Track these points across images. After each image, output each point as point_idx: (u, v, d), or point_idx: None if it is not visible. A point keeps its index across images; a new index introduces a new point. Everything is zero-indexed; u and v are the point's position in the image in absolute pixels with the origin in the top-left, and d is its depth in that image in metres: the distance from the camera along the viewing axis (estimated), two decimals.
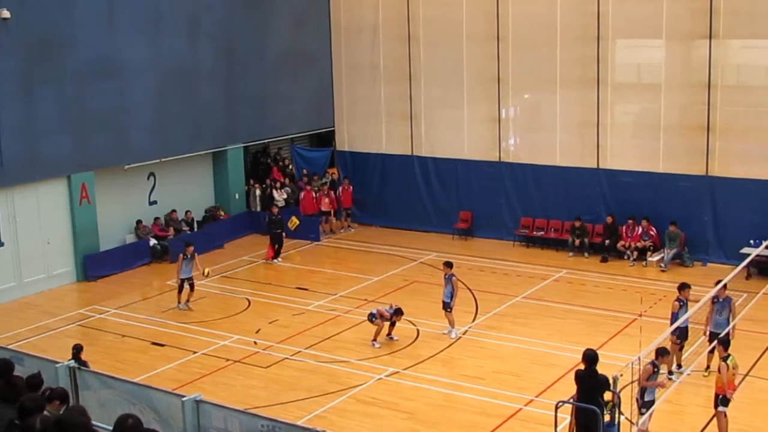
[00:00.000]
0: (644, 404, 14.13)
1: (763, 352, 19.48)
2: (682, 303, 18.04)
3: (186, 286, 23.41)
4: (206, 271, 23.64)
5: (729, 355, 15.42)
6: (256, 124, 31.75)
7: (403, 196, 31.27)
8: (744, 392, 16.25)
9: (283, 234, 28.23)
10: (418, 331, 21.37)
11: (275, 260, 27.48)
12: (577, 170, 28.20)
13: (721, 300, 18.09)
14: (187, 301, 23.48)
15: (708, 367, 17.99)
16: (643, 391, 14.17)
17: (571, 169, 28.28)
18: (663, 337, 15.88)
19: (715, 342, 16.47)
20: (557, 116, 28.77)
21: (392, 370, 19.11)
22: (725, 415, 15.34)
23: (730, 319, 17.97)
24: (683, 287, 18.33)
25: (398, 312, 20.61)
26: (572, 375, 14.10)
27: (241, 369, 19.42)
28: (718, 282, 18.24)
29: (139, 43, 27.41)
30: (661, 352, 14.43)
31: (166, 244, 28.00)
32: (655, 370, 14.31)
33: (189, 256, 23.42)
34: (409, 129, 31.15)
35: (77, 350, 16.29)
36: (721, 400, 15.29)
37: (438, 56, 30.31)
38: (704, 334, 18.32)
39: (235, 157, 31.45)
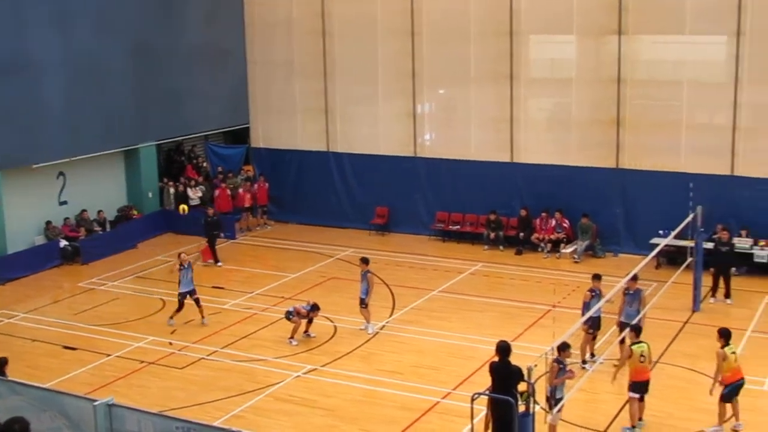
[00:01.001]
0: (557, 402, 14.32)
1: (673, 339, 19.94)
2: (594, 293, 18.36)
3: (191, 301, 21.55)
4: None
5: (640, 342, 15.78)
6: (169, 121, 31.28)
7: (320, 192, 31.19)
8: (655, 379, 16.56)
9: (220, 235, 27.78)
10: (335, 327, 21.34)
11: (219, 264, 26.99)
12: (492, 164, 28.49)
13: (631, 292, 18.46)
14: (202, 317, 21.74)
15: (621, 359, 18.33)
16: (553, 390, 14.33)
17: (486, 164, 28.56)
18: (575, 327, 16.12)
19: (626, 330, 16.84)
20: (472, 111, 29.04)
21: (310, 367, 19.05)
22: (638, 401, 15.68)
23: (640, 310, 18.35)
24: (595, 278, 18.68)
25: (315, 308, 20.56)
26: (488, 367, 14.21)
27: (157, 371, 19.14)
28: (631, 274, 18.61)
29: (48, 37, 26.76)
30: (563, 347, 14.57)
31: (78, 245, 27.42)
32: (561, 366, 14.46)
33: (186, 266, 21.64)
34: (325, 125, 31.08)
35: (1, 363, 15.77)
36: (631, 385, 15.65)
37: (353, 52, 30.29)
38: (616, 324, 18.66)
39: (147, 156, 30.96)
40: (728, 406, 15.69)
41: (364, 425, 16.42)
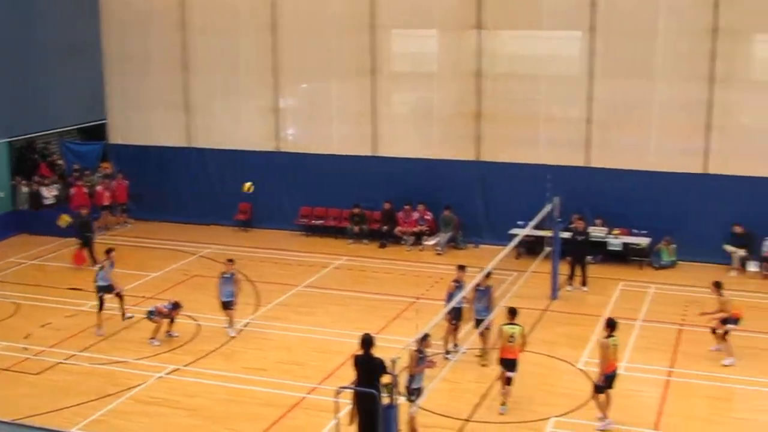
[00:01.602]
0: (412, 392, 14.36)
1: (533, 327, 20.39)
2: (458, 284, 18.61)
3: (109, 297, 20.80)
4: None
5: (513, 324, 16.20)
6: (21, 117, 30.00)
7: (181, 188, 30.60)
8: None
9: (93, 236, 26.75)
10: (199, 326, 21.00)
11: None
12: (355, 158, 28.57)
13: (482, 288, 18.56)
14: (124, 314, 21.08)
15: (480, 355, 18.63)
16: (411, 379, 14.40)
17: (349, 158, 28.62)
18: (439, 318, 16.30)
19: (482, 327, 17.59)
20: (334, 105, 29.07)
21: (173, 367, 18.69)
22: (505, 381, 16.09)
23: (489, 307, 18.52)
24: (460, 268, 18.93)
25: (176, 306, 20.18)
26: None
27: (9, 378, 18.36)
28: (488, 268, 18.86)
29: None
30: (423, 337, 14.70)
31: None
32: (421, 356, 14.56)
33: (111, 264, 21.07)
34: (186, 120, 30.54)
35: None
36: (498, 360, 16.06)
37: (213, 45, 29.82)
38: (471, 319, 18.92)
39: None
40: (602, 396, 15.83)
41: (228, 424, 16.21)
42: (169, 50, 30.26)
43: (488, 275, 18.51)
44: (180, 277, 24.74)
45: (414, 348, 14.41)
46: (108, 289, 20.87)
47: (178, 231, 29.24)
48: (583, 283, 23.43)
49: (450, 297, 18.39)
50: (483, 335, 18.47)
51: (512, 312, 16.66)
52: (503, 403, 16.33)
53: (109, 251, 21.57)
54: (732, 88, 25.01)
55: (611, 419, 15.74)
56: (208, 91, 30.29)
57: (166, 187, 30.77)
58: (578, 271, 23.49)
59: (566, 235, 23.46)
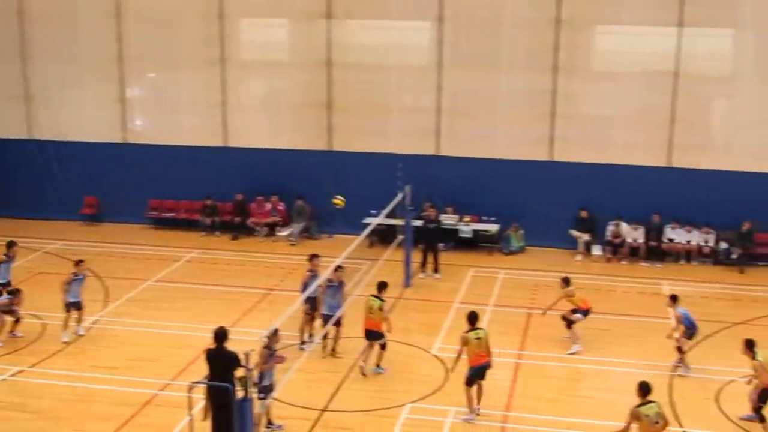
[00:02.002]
0: (262, 389, 14.20)
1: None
2: (312, 274, 18.56)
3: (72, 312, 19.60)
4: None
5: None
6: None
7: (23, 182, 29.45)
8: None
9: None
10: (44, 325, 20.28)
11: None
12: (206, 149, 28.18)
13: (335, 284, 18.40)
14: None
15: (333, 349, 18.62)
16: (261, 376, 14.22)
17: (200, 149, 28.19)
18: (293, 309, 16.21)
19: (330, 323, 17.77)
20: (183, 95, 28.60)
21: (17, 369, 17.97)
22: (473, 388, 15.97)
23: (341, 303, 18.43)
24: (313, 258, 18.89)
25: (15, 293, 19.27)
26: None
27: None
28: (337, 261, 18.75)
29: None
30: (272, 333, 14.53)
31: None
32: (271, 352, 14.42)
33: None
34: (26, 111, 29.38)
35: None
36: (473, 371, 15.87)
37: (54, 33, 28.72)
38: (318, 317, 18.66)
39: None
40: (473, 390, 15.90)
41: (77, 425, 15.70)
42: (6, 38, 28.97)
43: (338, 268, 18.36)
44: (24, 275, 23.78)
45: (263, 345, 14.23)
46: None
47: (20, 227, 28.04)
48: (435, 270, 23.81)
49: (305, 287, 18.31)
50: (336, 328, 18.42)
51: (382, 286, 16.96)
52: (377, 365, 16.91)
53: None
54: (574, 78, 25.87)
55: (474, 415, 15.88)
56: (50, 81, 29.19)
57: (6, 181, 29.51)
58: (430, 259, 23.85)
59: (418, 223, 23.77)
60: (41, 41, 28.88)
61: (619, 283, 23.48)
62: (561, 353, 18.71)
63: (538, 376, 17.76)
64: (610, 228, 25.47)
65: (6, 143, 29.54)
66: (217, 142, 28.18)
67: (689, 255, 25.20)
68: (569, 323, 18.93)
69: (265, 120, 28.45)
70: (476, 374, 15.78)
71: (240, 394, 12.50)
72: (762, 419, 15.26)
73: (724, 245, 24.90)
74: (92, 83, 29.09)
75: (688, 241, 25.14)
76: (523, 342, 19.39)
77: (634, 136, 25.78)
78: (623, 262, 25.23)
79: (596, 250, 25.64)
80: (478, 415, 15.85)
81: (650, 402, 13.16)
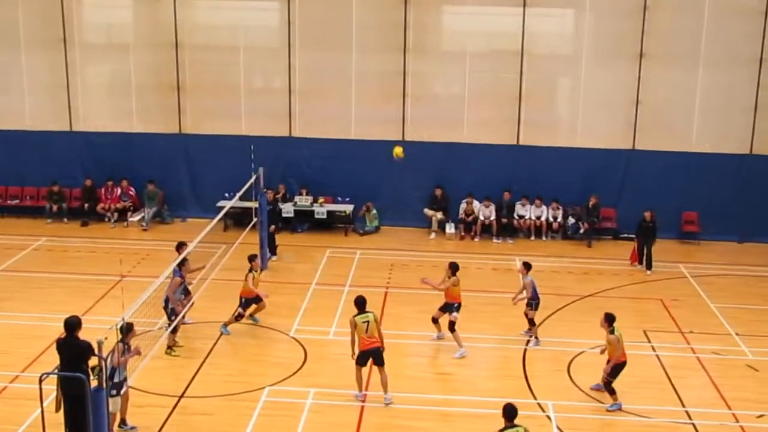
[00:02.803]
0: (114, 386, 13.80)
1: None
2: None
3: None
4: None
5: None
6: None
7: None
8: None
9: None
10: None
11: None
12: (50, 134, 27.28)
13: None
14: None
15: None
16: (113, 372, 13.81)
17: (44, 133, 27.26)
18: (146, 296, 15.82)
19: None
20: (25, 78, 27.51)
21: None
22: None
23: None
24: (180, 246, 18.53)
25: None
26: None
27: None
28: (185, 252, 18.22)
29: None
30: (127, 328, 14.15)
31: None
32: (126, 346, 14.03)
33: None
34: None
35: None
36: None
37: None
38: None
39: None
40: (362, 370, 15.91)
41: None
42: None
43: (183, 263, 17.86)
44: None
45: (118, 339, 13.84)
46: None
47: None
48: (273, 252, 23.59)
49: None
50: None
51: (360, 301, 15.99)
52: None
53: None
54: (424, 58, 26.20)
55: (363, 395, 15.97)
56: None
57: None
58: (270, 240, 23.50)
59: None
60: None
61: (472, 260, 23.97)
62: (420, 330, 18.94)
63: (398, 354, 17.93)
64: (463, 206, 25.99)
65: None
66: (63, 126, 27.29)
67: (539, 231, 25.98)
68: (452, 326, 18.00)
69: (113, 103, 27.71)
70: (365, 358, 15.76)
71: (94, 383, 12.19)
72: (612, 391, 15.83)
73: (572, 221, 25.77)
74: None
75: (538, 217, 25.91)
76: (380, 321, 19.46)
77: (484, 114, 26.35)
78: (476, 240, 25.81)
79: (449, 228, 26.10)
80: (390, 404, 15.78)
81: (515, 426, 12.26)
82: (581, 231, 25.57)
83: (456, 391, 16.54)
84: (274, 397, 15.97)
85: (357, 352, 15.84)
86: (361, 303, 15.99)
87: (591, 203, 25.55)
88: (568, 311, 20.44)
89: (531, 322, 18.45)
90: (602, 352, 16.46)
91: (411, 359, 17.97)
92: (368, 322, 15.78)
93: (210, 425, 15.19)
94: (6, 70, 27.86)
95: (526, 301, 18.41)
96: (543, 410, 15.80)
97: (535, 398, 16.22)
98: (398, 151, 21.77)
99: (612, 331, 15.73)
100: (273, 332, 18.94)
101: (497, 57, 26.22)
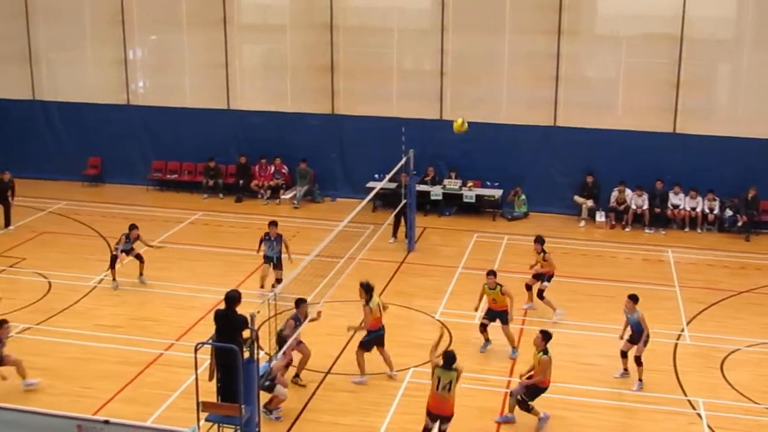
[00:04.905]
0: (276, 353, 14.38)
1: (390, 279, 20.68)
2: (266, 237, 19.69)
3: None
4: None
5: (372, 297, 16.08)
6: None
7: (26, 143, 29.43)
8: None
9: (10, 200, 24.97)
10: (50, 283, 20.36)
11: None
12: (208, 111, 28.13)
13: (272, 238, 19.70)
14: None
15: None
16: (283, 342, 14.43)
17: (202, 111, 28.14)
18: (296, 272, 16.17)
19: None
20: (186, 58, 28.47)
21: (24, 326, 18.08)
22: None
23: (283, 251, 19.73)
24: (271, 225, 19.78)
25: None
26: (211, 316, 14.09)
27: None
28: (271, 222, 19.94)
29: None
30: (298, 303, 14.75)
31: None
32: (297, 323, 14.64)
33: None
34: (29, 71, 29.28)
35: None
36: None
37: None
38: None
39: None
40: (366, 354, 16.18)
41: (83, 383, 15.82)
42: None
43: (275, 224, 19.88)
44: (28, 234, 23.87)
45: (291, 317, 14.57)
46: None
47: (25, 187, 27.92)
48: (395, 235, 23.58)
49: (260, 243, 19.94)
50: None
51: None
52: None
53: None
54: (577, 41, 25.72)
55: (365, 378, 16.13)
56: (53, 41, 29.14)
57: (9, 142, 29.47)
58: (402, 225, 23.47)
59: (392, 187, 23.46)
60: (44, 1, 28.74)
61: (622, 250, 23.49)
62: (564, 319, 18.72)
63: None
64: (614, 194, 25.43)
65: (10, 104, 29.47)
66: (220, 104, 28.11)
67: (694, 222, 25.16)
68: (540, 294, 18.87)
69: (267, 82, 28.40)
70: (373, 341, 16.12)
71: (246, 354, 12.57)
72: (528, 409, 14.72)
73: (729, 213, 24.85)
74: (95, 44, 29.00)
75: (693, 208, 25.10)
76: (526, 308, 19.41)
77: (638, 100, 25.71)
78: (627, 229, 25.21)
79: (599, 217, 25.62)
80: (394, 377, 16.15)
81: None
82: (739, 224, 24.62)
83: (600, 382, 16.27)
84: (418, 378, 16.08)
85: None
86: (368, 289, 16.06)
87: (750, 195, 24.56)
88: (722, 307, 19.76)
89: (638, 361, 16.10)
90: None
91: (554, 347, 17.65)
92: (379, 303, 16.14)
93: (354, 402, 15.46)
94: (167, 50, 28.93)
95: (630, 338, 16.28)
96: (693, 407, 15.40)
97: (685, 394, 15.81)
98: (459, 124, 20.87)
99: (545, 352, 14.70)
100: (419, 314, 19.06)
101: (654, 41, 25.49)
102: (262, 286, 19.77)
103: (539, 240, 19.13)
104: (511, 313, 17.26)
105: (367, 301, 15.91)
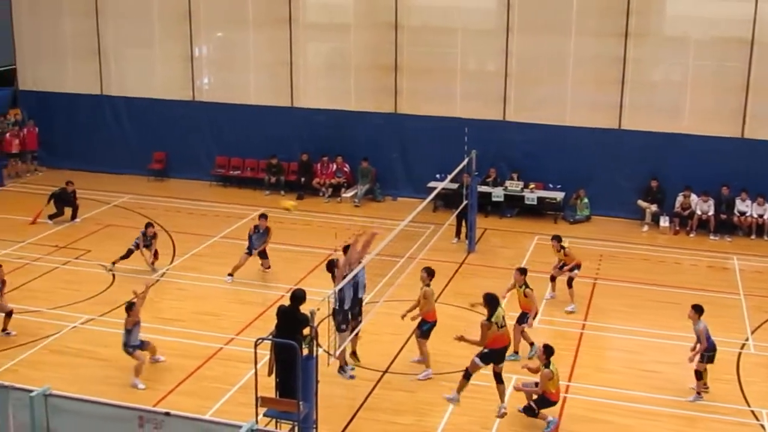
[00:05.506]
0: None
1: (450, 279, 20.63)
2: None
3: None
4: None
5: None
6: None
7: (94, 137, 29.95)
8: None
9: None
10: (113, 275, 20.70)
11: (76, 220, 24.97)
12: (271, 109, 28.33)
13: (261, 230, 20.80)
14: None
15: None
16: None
17: (265, 108, 28.36)
18: (353, 273, 16.22)
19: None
20: (251, 55, 28.73)
21: (87, 317, 18.42)
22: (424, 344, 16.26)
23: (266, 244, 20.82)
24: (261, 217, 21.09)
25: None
26: (271, 312, 14.21)
27: None
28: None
29: None
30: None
31: None
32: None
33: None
34: (98, 67, 29.79)
35: None
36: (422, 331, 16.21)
37: None
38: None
39: None
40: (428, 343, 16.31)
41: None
42: None
43: (264, 216, 21.16)
44: (93, 227, 24.29)
45: None
46: None
47: (91, 180, 28.52)
48: (458, 235, 23.50)
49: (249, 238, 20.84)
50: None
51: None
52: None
53: None
54: (645, 44, 25.39)
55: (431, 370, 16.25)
56: (121, 37, 29.61)
57: (78, 135, 30.08)
58: (464, 225, 23.38)
59: (453, 187, 23.47)
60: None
61: (685, 256, 23.15)
62: (625, 324, 18.55)
63: (601, 348, 17.65)
64: (679, 199, 25.04)
65: (79, 98, 30.02)
66: (284, 102, 28.31)
67: (761, 229, 24.67)
68: (570, 282, 19.25)
69: (330, 81, 28.49)
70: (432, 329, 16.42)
71: (305, 351, 12.64)
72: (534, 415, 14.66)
73: None
74: (162, 41, 29.40)
75: (760, 215, 24.61)
76: (587, 312, 19.25)
77: (705, 104, 25.29)
78: (691, 235, 24.80)
79: (663, 222, 25.25)
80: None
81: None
82: None
83: (659, 389, 16.03)
84: (476, 381, 15.99)
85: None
86: (430, 274, 16.42)
87: None
88: None
89: (698, 375, 15.74)
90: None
91: (614, 353, 17.62)
92: (434, 293, 16.54)
93: (411, 402, 15.46)
94: (232, 47, 29.23)
95: (698, 353, 15.73)
96: (757, 418, 15.11)
97: (748, 405, 15.52)
98: (288, 205, 21.41)
99: (547, 365, 14.47)
100: (478, 316, 18.92)
101: (723, 44, 25.05)
102: (230, 274, 20.54)
103: (556, 237, 19.44)
104: (530, 321, 17.06)
105: (489, 317, 15.22)
